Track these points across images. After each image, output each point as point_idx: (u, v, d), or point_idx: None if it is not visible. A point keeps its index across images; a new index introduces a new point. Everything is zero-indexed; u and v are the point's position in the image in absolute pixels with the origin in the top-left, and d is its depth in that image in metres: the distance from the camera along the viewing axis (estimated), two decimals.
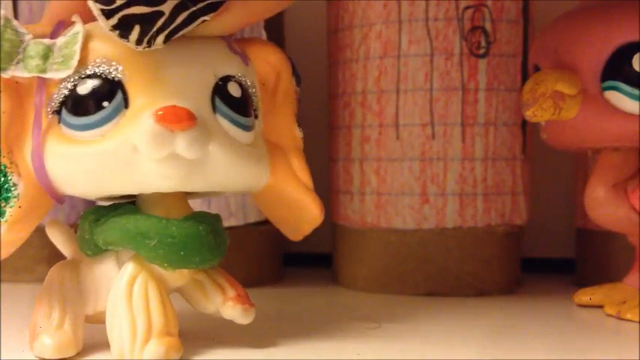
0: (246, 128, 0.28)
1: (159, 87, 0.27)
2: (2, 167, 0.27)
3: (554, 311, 0.38)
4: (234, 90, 0.28)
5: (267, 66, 0.30)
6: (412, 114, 0.42)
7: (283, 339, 0.31)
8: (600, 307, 0.38)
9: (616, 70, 0.36)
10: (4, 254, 0.28)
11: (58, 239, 0.31)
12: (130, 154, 0.26)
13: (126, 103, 0.27)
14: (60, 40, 0.27)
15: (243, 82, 0.29)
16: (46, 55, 0.27)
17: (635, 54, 0.36)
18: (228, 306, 0.29)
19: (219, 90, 0.28)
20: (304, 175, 0.31)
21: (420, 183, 0.42)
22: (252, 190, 0.30)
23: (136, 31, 0.26)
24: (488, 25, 0.42)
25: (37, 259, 0.45)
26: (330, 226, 0.46)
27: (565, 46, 0.37)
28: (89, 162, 0.27)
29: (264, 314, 0.35)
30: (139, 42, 0.26)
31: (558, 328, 0.35)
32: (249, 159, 0.28)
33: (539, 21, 0.43)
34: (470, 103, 0.41)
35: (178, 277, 0.29)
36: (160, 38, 0.26)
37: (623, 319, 0.36)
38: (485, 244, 0.42)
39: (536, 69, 0.39)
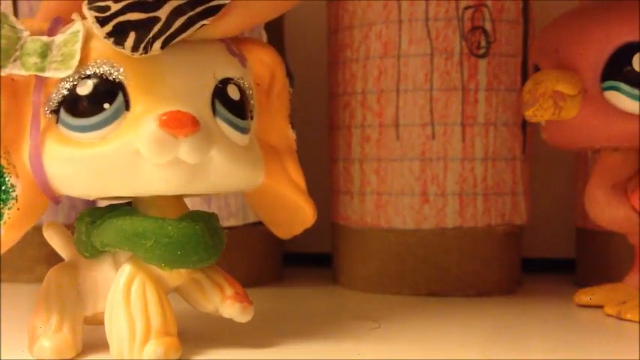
0: (244, 131, 0.28)
1: (160, 90, 0.26)
2: (0, 168, 0.27)
3: (554, 311, 0.38)
4: (233, 93, 0.28)
5: (261, 66, 0.30)
6: (412, 114, 0.42)
7: (283, 339, 0.31)
8: (600, 307, 0.38)
9: (616, 70, 0.36)
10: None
11: (56, 241, 0.31)
12: (132, 158, 0.26)
13: (127, 106, 0.26)
14: (59, 38, 0.27)
15: (242, 85, 0.29)
16: (44, 53, 0.26)
17: (635, 54, 0.36)
18: (227, 304, 0.29)
19: (219, 93, 0.28)
20: (297, 176, 0.31)
21: (420, 183, 0.42)
22: (247, 190, 0.30)
23: (132, 37, 0.26)
24: (488, 25, 0.42)
25: (36, 259, 0.45)
26: (330, 226, 0.46)
27: (565, 46, 0.37)
28: (90, 164, 0.26)
29: (264, 314, 0.35)
30: (134, 49, 0.26)
31: (558, 328, 0.35)
32: (246, 161, 0.28)
33: (539, 21, 0.43)
34: (470, 103, 0.41)
35: (176, 276, 0.29)
36: (157, 44, 0.26)
37: (623, 319, 0.36)
38: (485, 244, 0.42)
39: (536, 69, 0.39)
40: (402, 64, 0.42)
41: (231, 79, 0.28)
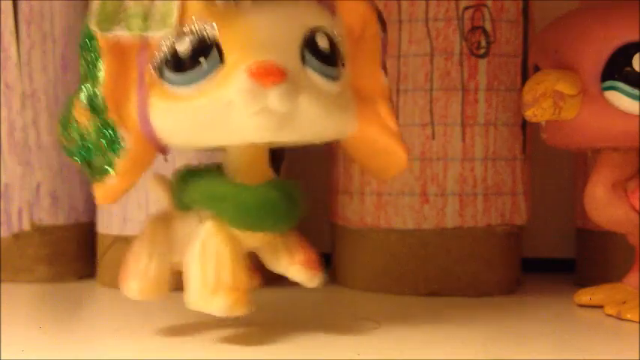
0: (334, 78, 0.29)
1: (251, 42, 0.28)
2: (111, 122, 0.29)
3: (554, 311, 0.38)
4: (322, 41, 0.29)
5: (353, 14, 0.31)
6: (412, 114, 0.42)
7: (283, 339, 0.31)
8: (600, 307, 0.38)
9: (616, 70, 0.36)
10: (111, 202, 0.30)
11: (159, 192, 0.32)
12: (226, 108, 0.28)
13: (221, 59, 0.28)
14: (158, 1, 0.28)
15: (331, 33, 0.30)
16: (146, 14, 0.28)
17: (635, 54, 0.36)
18: (296, 269, 0.30)
19: (308, 42, 0.29)
20: (390, 121, 0.31)
21: (420, 183, 0.42)
22: (341, 138, 0.31)
23: None
24: (488, 25, 0.42)
25: (36, 259, 0.45)
26: (330, 226, 0.46)
27: (565, 46, 0.37)
28: (189, 116, 0.28)
29: (264, 314, 0.35)
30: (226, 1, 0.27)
31: (558, 328, 0.35)
32: (337, 109, 0.29)
33: (539, 21, 0.43)
34: (470, 103, 0.41)
35: (253, 238, 0.30)
36: None
37: (623, 319, 0.36)
38: (485, 244, 0.42)
39: (536, 69, 0.39)
40: (402, 64, 0.42)
41: (320, 28, 0.29)
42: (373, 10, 0.32)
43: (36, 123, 0.45)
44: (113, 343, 0.31)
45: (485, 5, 0.41)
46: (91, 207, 0.47)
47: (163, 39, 0.28)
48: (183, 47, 0.28)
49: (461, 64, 0.41)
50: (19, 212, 0.45)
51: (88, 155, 0.29)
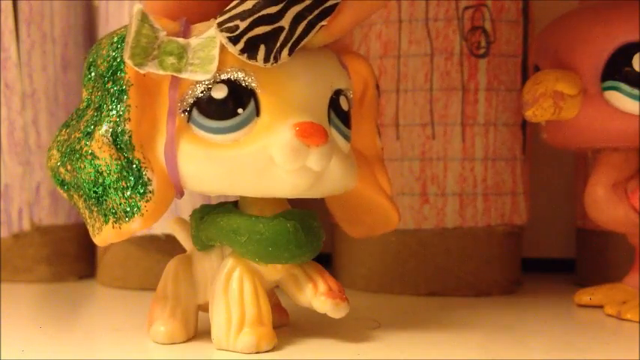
0: (348, 139, 0.30)
1: (287, 99, 0.28)
2: (137, 162, 0.28)
3: (554, 311, 0.38)
4: (344, 103, 0.30)
5: (357, 77, 0.32)
6: (412, 114, 0.42)
7: (283, 339, 0.31)
8: (600, 307, 0.38)
9: (616, 70, 0.36)
10: (111, 242, 0.29)
11: (180, 234, 0.33)
12: (266, 162, 0.28)
13: (257, 112, 0.28)
14: (194, 41, 0.28)
15: (349, 96, 0.30)
16: (181, 54, 0.28)
17: (635, 54, 0.36)
18: (320, 300, 0.30)
19: (333, 103, 0.29)
20: (385, 182, 0.32)
21: (420, 183, 0.42)
22: (339, 193, 0.31)
23: (262, 50, 0.27)
24: (488, 25, 0.42)
25: (37, 259, 0.45)
26: (330, 226, 0.46)
27: (565, 46, 0.37)
28: (225, 165, 0.28)
29: None
30: (266, 60, 0.27)
31: (558, 328, 0.35)
32: (351, 167, 0.30)
33: (539, 21, 0.43)
34: (470, 103, 0.41)
35: (273, 271, 0.30)
36: (285, 52, 0.27)
37: (623, 319, 0.36)
38: (485, 244, 0.42)
39: (536, 69, 0.39)
40: (402, 64, 0.42)
41: (342, 90, 0.30)
42: (372, 73, 0.32)
43: (36, 123, 0.45)
44: (113, 343, 0.31)
45: (485, 5, 0.41)
46: None
47: (198, 83, 0.28)
48: (221, 94, 0.28)
49: (461, 64, 0.41)
50: (19, 212, 0.45)
51: (103, 194, 0.28)
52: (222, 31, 0.27)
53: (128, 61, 0.27)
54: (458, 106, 0.41)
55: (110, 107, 0.28)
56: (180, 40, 0.28)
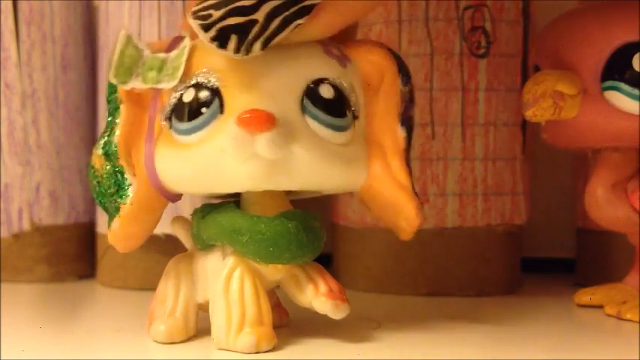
0: (339, 129, 0.30)
1: (250, 92, 0.28)
2: (120, 167, 0.30)
3: (554, 311, 0.38)
4: (326, 92, 0.29)
5: (369, 65, 0.31)
6: None
7: (283, 339, 0.31)
8: (600, 307, 0.38)
9: (616, 70, 0.36)
10: (122, 248, 0.31)
11: (181, 233, 0.33)
12: (220, 156, 0.28)
13: (222, 109, 0.28)
14: (172, 54, 0.30)
15: (339, 84, 0.30)
16: (161, 67, 0.30)
17: (635, 54, 0.36)
18: (320, 301, 0.30)
19: (310, 92, 0.29)
20: (402, 175, 0.31)
21: (419, 183, 0.42)
22: (349, 190, 0.31)
23: (234, 41, 0.28)
24: (488, 25, 0.42)
25: (36, 259, 0.45)
26: (330, 226, 0.46)
27: (565, 46, 0.37)
28: (189, 164, 0.29)
29: None
30: (237, 50, 0.28)
31: (558, 328, 0.35)
32: (339, 159, 0.30)
33: (539, 21, 0.43)
34: (470, 103, 0.41)
35: (274, 271, 0.30)
36: (257, 45, 0.28)
37: (623, 319, 0.36)
38: (485, 244, 0.42)
39: (536, 69, 0.39)
40: None
41: (326, 79, 0.30)
42: (392, 61, 0.31)
43: (36, 123, 0.45)
44: (113, 343, 0.31)
45: (485, 5, 0.41)
46: (90, 207, 0.47)
47: (174, 90, 0.29)
48: (189, 98, 0.29)
49: (461, 64, 0.41)
50: (19, 212, 0.45)
51: (103, 200, 0.31)
52: (195, 18, 0.28)
53: (112, 80, 0.30)
54: (458, 106, 0.41)
55: (107, 123, 0.31)
56: (161, 54, 0.30)
